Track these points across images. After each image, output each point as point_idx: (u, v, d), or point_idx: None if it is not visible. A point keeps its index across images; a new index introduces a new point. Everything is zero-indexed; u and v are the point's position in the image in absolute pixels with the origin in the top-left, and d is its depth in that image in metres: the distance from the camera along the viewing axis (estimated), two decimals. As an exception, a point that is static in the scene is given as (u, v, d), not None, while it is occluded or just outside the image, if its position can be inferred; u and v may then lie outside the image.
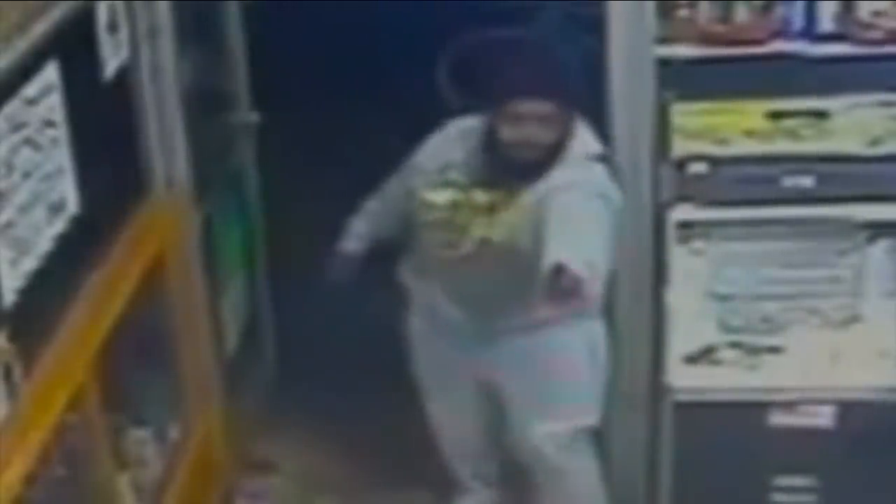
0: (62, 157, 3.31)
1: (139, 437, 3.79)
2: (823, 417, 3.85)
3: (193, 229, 4.17)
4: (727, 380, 3.88)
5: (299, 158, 5.78)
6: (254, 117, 4.80)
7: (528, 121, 3.59)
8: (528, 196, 3.62)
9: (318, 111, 6.03)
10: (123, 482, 3.64)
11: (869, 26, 3.70)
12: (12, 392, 2.99)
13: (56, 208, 3.28)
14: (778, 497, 3.97)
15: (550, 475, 4.05)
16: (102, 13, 3.59)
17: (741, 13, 3.74)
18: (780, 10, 3.74)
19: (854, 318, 3.94)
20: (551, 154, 3.63)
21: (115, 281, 3.58)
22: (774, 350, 3.92)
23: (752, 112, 3.81)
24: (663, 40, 3.77)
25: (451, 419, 4.14)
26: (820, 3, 3.72)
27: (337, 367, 4.97)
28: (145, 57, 3.85)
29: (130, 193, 3.82)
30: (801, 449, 3.89)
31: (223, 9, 4.64)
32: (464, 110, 3.85)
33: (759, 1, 3.73)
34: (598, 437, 4.06)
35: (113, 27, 3.65)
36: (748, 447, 3.88)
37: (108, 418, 3.52)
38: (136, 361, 3.76)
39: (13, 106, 3.06)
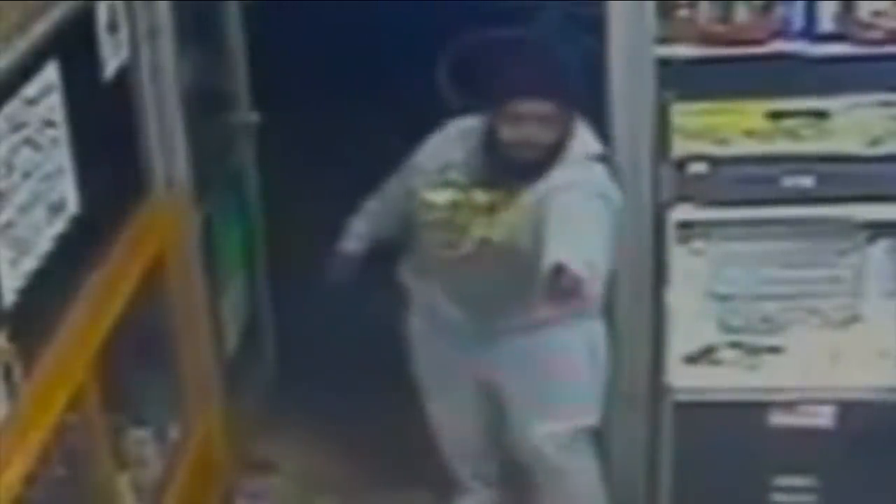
0: (62, 157, 3.31)
1: (139, 437, 3.79)
2: (823, 417, 3.85)
3: (193, 229, 4.17)
4: (727, 380, 3.88)
5: (299, 158, 5.77)
6: (254, 117, 4.80)
7: (528, 121, 3.58)
8: (528, 196, 3.62)
9: (318, 111, 6.02)
10: (123, 482, 3.64)
11: (869, 26, 3.70)
12: (12, 392, 2.99)
13: (56, 208, 3.28)
14: (778, 497, 3.97)
15: (550, 475, 4.05)
16: (102, 13, 3.59)
17: (741, 13, 3.74)
18: (780, 10, 3.74)
19: (854, 318, 3.94)
20: (551, 154, 3.63)
21: (115, 281, 3.58)
22: (774, 350, 3.92)
23: (752, 112, 3.81)
24: (663, 40, 3.77)
25: (451, 419, 4.14)
26: (820, 3, 3.72)
27: (337, 367, 4.97)
28: (145, 57, 3.85)
29: (130, 193, 3.81)
30: (801, 449, 3.89)
31: (223, 9, 4.64)
32: (464, 110, 3.85)
33: (759, 1, 3.73)
34: (598, 437, 4.06)
35: (113, 27, 3.65)
36: (748, 447, 3.88)
37: (108, 418, 3.52)
38: (136, 361, 3.76)
39: (13, 106, 3.06)
